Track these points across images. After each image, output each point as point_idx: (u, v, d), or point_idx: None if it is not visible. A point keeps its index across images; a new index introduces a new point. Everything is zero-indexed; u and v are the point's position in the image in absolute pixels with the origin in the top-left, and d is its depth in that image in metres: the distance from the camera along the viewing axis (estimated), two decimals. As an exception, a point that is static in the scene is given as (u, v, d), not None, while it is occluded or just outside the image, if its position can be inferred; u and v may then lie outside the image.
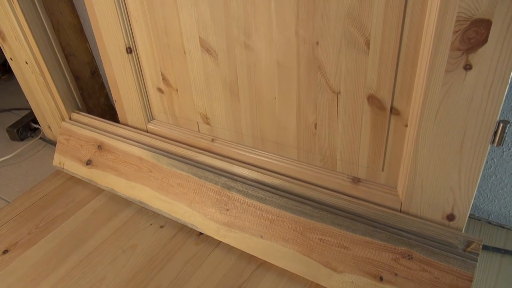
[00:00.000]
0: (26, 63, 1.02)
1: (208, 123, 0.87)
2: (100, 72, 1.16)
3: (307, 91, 0.68)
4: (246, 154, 0.83)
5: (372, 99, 0.62)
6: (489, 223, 0.79)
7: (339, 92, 0.65)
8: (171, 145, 0.90)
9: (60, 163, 1.05)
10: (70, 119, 1.09)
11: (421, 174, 0.62)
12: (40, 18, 0.95)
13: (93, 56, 1.12)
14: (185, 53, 0.79)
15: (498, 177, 0.72)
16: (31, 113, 1.28)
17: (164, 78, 0.87)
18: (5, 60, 1.70)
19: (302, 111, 0.71)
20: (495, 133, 0.53)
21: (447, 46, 0.50)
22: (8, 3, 0.90)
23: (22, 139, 1.24)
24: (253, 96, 0.75)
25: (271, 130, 0.77)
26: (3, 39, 1.01)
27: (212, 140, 0.87)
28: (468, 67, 0.50)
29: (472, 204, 0.79)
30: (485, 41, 0.48)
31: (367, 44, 0.58)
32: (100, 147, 0.98)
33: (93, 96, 1.15)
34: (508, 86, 0.50)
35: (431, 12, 0.50)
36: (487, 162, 0.72)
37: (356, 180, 0.72)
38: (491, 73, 0.49)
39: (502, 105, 0.51)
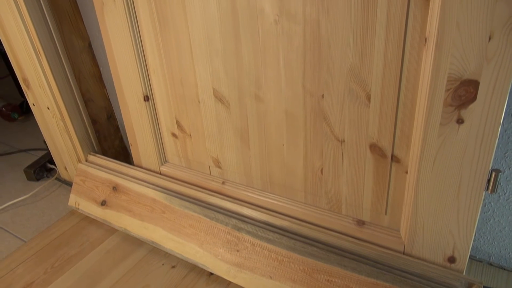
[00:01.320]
0: (48, 108, 1.08)
1: (219, 167, 0.91)
2: (116, 116, 1.22)
3: (314, 139, 0.73)
4: (256, 196, 0.87)
5: (374, 148, 0.67)
6: (490, 264, 0.81)
7: (343, 141, 0.70)
8: (184, 187, 0.95)
9: (75, 204, 1.10)
10: (87, 160, 1.14)
11: (422, 217, 0.66)
12: (63, 68, 1.02)
13: (109, 101, 1.19)
14: (199, 102, 0.85)
15: (496, 220, 0.76)
16: (47, 154, 1.34)
17: (179, 124, 0.92)
18: (22, 102, 1.78)
19: (309, 157, 0.76)
20: (489, 180, 0.58)
21: (440, 102, 0.56)
22: (35, 55, 0.98)
23: (38, 179, 1.29)
24: (263, 142, 0.80)
25: (280, 174, 0.82)
26: (28, 86, 1.08)
27: (223, 182, 0.92)
28: (460, 121, 0.56)
29: (473, 246, 0.82)
30: (474, 98, 0.53)
31: (368, 98, 0.63)
32: (115, 188, 1.03)
33: (108, 138, 1.21)
34: (497, 138, 0.55)
35: (425, 71, 0.56)
36: (484, 205, 0.76)
37: (360, 223, 0.76)
38: (482, 127, 0.54)
39: (493, 155, 0.56)
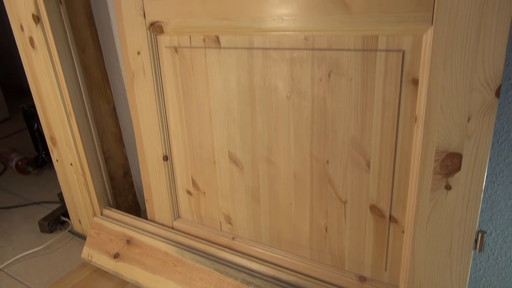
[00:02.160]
0: (71, 164, 1.17)
1: (230, 223, 0.98)
2: (131, 173, 1.31)
3: (319, 199, 0.81)
4: (264, 252, 0.93)
5: (374, 209, 0.75)
6: (486, 323, 0.86)
7: (346, 202, 0.78)
8: (195, 241, 1.01)
9: (88, 256, 1.14)
10: (102, 214, 1.20)
11: (418, 274, 0.72)
12: (89, 129, 1.13)
13: (127, 159, 1.28)
14: (215, 163, 0.94)
15: (488, 279, 0.82)
16: (61, 207, 1.40)
17: (194, 183, 1.01)
18: (37, 156, 1.87)
19: (314, 216, 0.83)
20: (476, 240, 0.65)
21: (430, 171, 0.65)
22: (66, 117, 1.08)
23: (51, 232, 1.34)
24: (272, 201, 0.88)
25: (287, 231, 0.89)
26: (54, 144, 1.17)
27: (233, 238, 0.98)
28: (448, 187, 0.64)
29: (469, 304, 0.87)
30: (459, 168, 0.63)
31: (368, 164, 0.73)
32: (129, 241, 1.08)
33: (123, 193, 1.29)
34: (481, 203, 0.63)
35: (416, 144, 0.66)
36: (476, 265, 0.82)
37: (362, 279, 0.81)
38: (467, 193, 0.63)
39: (478, 218, 0.64)
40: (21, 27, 1.02)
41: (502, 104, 0.70)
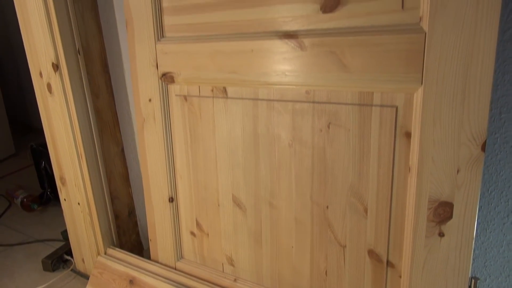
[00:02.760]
0: (78, 204, 1.20)
1: (232, 265, 1.01)
2: (136, 213, 1.34)
3: (319, 243, 0.84)
4: (265, 294, 0.95)
5: (372, 253, 0.78)
6: None
7: (345, 246, 0.81)
8: (197, 282, 1.02)
9: (90, 296, 1.15)
10: (105, 253, 1.22)
11: (416, 319, 0.74)
12: (98, 170, 1.17)
13: (132, 199, 1.32)
14: (219, 205, 0.98)
15: (485, 325, 0.83)
16: (65, 245, 1.42)
17: (198, 224, 1.04)
18: (42, 193, 1.90)
19: (315, 259, 0.86)
20: (469, 287, 0.68)
21: (424, 218, 0.69)
22: (77, 158, 1.13)
23: (54, 270, 1.35)
24: (274, 244, 0.91)
25: (288, 274, 0.91)
26: (63, 183, 1.21)
27: (235, 280, 1.00)
28: (441, 234, 0.68)
29: None
30: (451, 216, 0.66)
31: (366, 211, 0.77)
32: (131, 281, 1.10)
33: (127, 233, 1.31)
34: (473, 250, 0.66)
35: (410, 192, 0.70)
36: (473, 310, 0.84)
37: (362, 323, 0.83)
38: (459, 240, 0.67)
39: (471, 264, 0.67)
40: (40, 73, 1.09)
41: (490, 156, 0.75)
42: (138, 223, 1.36)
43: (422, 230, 0.69)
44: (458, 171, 0.64)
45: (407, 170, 0.70)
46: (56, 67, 1.04)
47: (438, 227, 0.68)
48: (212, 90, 0.89)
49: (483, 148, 0.62)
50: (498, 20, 0.58)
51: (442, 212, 0.67)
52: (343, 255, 0.82)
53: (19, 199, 1.83)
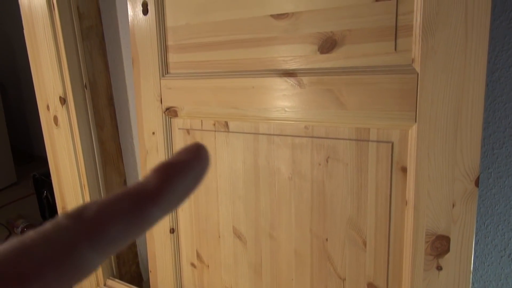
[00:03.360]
0: (79, 234, 1.21)
1: (232, 297, 1.01)
2: (136, 243, 1.34)
3: (319, 276, 0.85)
4: (266, 328, 0.94)
5: (371, 286, 0.79)
6: None
7: (345, 279, 0.82)
8: (197, 315, 1.02)
9: (89, 328, 1.14)
10: (105, 285, 1.22)
11: None
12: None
13: (133, 229, 1.32)
14: (219, 237, 0.99)
15: None
16: (64, 276, 1.42)
17: (198, 256, 1.05)
18: (42, 223, 1.90)
19: (315, 292, 0.86)
20: (469, 321, 0.68)
21: (422, 251, 0.70)
22: (80, 189, 1.15)
23: (52, 302, 1.34)
24: (274, 276, 0.92)
25: (288, 307, 0.91)
26: (65, 214, 1.23)
27: (235, 313, 1.00)
28: (439, 268, 0.69)
29: None
30: (448, 250, 0.68)
31: (364, 243, 0.78)
32: (131, 314, 1.09)
33: (127, 263, 1.31)
34: (471, 283, 0.67)
35: (407, 226, 0.72)
36: None
37: None
38: (457, 274, 0.68)
39: (469, 299, 0.68)
40: (48, 106, 1.13)
41: (485, 190, 0.77)
42: (138, 253, 1.36)
43: (420, 264, 0.70)
44: (453, 206, 0.66)
45: (404, 204, 0.72)
46: (63, 100, 1.07)
47: (436, 260, 0.69)
48: (214, 124, 0.92)
49: (477, 183, 0.64)
50: (486, 62, 0.61)
51: (439, 245, 0.68)
52: (343, 288, 0.82)
53: (19, 229, 1.83)
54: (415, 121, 0.67)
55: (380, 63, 0.69)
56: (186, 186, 0.16)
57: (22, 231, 1.80)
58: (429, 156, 0.67)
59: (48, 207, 1.86)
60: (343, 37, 0.72)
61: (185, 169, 0.15)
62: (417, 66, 0.66)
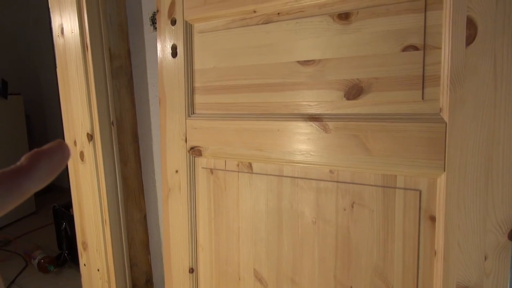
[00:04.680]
0: (98, 270, 1.21)
1: None
2: (153, 280, 1.33)
3: (343, 325, 0.82)
4: None
5: None
6: None
7: (370, 330, 0.79)
8: None
9: None
10: (120, 324, 1.20)
11: None
12: (121, 236, 1.19)
13: (151, 266, 1.32)
14: (239, 279, 0.97)
15: None
16: (79, 311, 1.40)
17: (217, 297, 1.03)
18: (59, 254, 1.90)
19: None
20: None
21: (453, 305, 0.67)
22: (101, 224, 1.16)
23: (65, 339, 1.32)
24: (296, 323, 0.89)
25: None
26: (85, 249, 1.23)
27: None
28: (472, 323, 0.66)
29: None
30: (480, 305, 0.65)
31: (391, 293, 0.75)
32: None
33: (142, 302, 1.29)
34: None
35: (437, 277, 0.69)
36: None
37: None
38: (491, 331, 0.65)
39: None
40: (75, 142, 1.16)
41: (517, 241, 0.74)
42: (155, 291, 1.34)
43: (451, 318, 0.68)
44: (485, 258, 0.64)
45: (433, 254, 0.70)
46: (90, 137, 1.10)
47: (468, 316, 0.66)
48: (238, 165, 0.93)
49: (510, 236, 0.62)
50: (516, 113, 0.61)
51: (471, 300, 0.66)
52: None
53: (36, 260, 1.83)
54: (444, 170, 0.66)
55: (408, 111, 0.70)
56: (51, 166, 0.21)
57: (39, 263, 1.81)
58: (459, 206, 0.65)
59: (66, 238, 1.87)
60: (370, 85, 0.73)
61: (49, 154, 0.21)
62: (445, 115, 0.66)
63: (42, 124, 3.50)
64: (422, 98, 0.68)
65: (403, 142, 0.70)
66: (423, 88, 0.68)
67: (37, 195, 3.11)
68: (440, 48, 0.66)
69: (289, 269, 0.88)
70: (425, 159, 0.68)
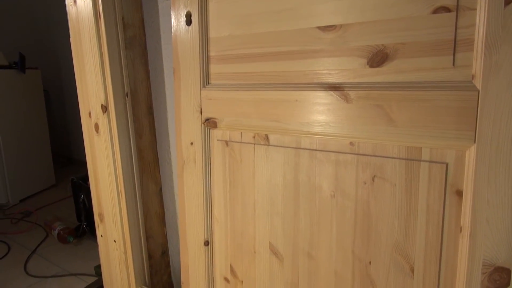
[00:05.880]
0: (115, 241, 1.22)
1: (266, 316, 0.97)
2: (169, 253, 1.33)
3: (360, 301, 0.80)
4: None
5: (418, 317, 0.73)
6: None
7: (389, 306, 0.77)
8: (229, 332, 0.99)
9: (120, 337, 1.14)
10: (137, 294, 1.22)
11: None
12: (136, 208, 1.19)
13: (166, 239, 1.32)
14: (255, 252, 0.96)
15: None
16: (97, 281, 1.43)
17: (232, 270, 1.02)
18: (78, 226, 1.94)
19: (355, 318, 0.82)
20: None
21: (478, 283, 0.64)
22: (117, 196, 1.16)
23: (85, 307, 1.36)
24: (311, 298, 0.88)
25: (325, 331, 0.87)
26: (101, 220, 1.24)
27: (268, 332, 0.96)
28: (497, 303, 0.63)
29: None
30: (508, 283, 0.62)
31: (412, 270, 0.73)
32: (162, 326, 1.08)
33: (159, 273, 1.30)
34: (534, 323, 0.61)
35: (462, 254, 0.66)
36: None
37: None
38: (518, 311, 0.61)
39: None
40: (89, 114, 1.14)
41: (549, 219, 0.70)
42: (171, 263, 1.35)
43: (475, 297, 0.65)
44: (515, 236, 0.60)
45: (458, 230, 0.67)
46: (105, 108, 1.09)
47: (494, 294, 0.63)
48: (254, 137, 0.90)
49: (544, 212, 0.58)
50: (557, 80, 0.56)
51: (498, 278, 0.62)
52: (386, 316, 0.77)
53: (56, 231, 1.87)
54: (474, 142, 0.62)
55: (436, 78, 0.65)
56: None
57: (59, 234, 1.85)
58: (489, 180, 0.61)
59: (84, 210, 1.90)
60: (396, 51, 0.68)
61: None
62: (478, 83, 0.61)
63: (61, 100, 3.54)
64: (453, 65, 0.63)
65: (430, 112, 0.65)
66: (454, 53, 0.63)
67: (57, 168, 3.16)
68: (474, 9, 0.61)
69: (306, 243, 0.86)
70: (453, 130, 0.64)
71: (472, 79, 0.62)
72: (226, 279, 1.04)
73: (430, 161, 0.68)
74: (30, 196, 2.59)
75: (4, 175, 2.39)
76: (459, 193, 0.66)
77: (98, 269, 1.46)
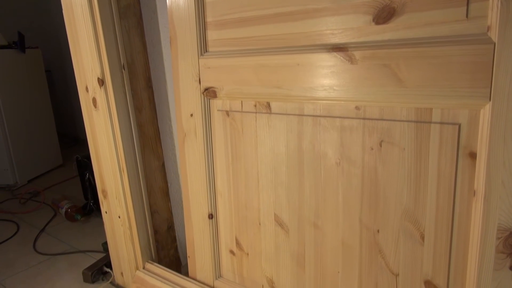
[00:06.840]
0: (119, 217, 1.21)
1: (272, 287, 0.96)
2: (175, 227, 1.32)
3: (368, 270, 0.78)
4: (308, 321, 0.89)
5: (429, 285, 0.71)
6: None
7: (398, 274, 0.74)
8: (237, 304, 0.98)
9: (128, 311, 1.14)
10: (144, 268, 1.21)
11: None
12: (139, 184, 1.17)
13: (171, 213, 1.31)
14: (260, 224, 0.94)
15: None
16: (105, 257, 1.43)
17: (238, 243, 1.00)
18: (85, 204, 1.94)
19: (363, 287, 0.80)
20: (548, 330, 0.59)
21: (492, 249, 0.61)
22: (119, 172, 1.14)
23: (93, 282, 1.36)
24: (318, 268, 0.86)
25: (333, 301, 0.85)
26: (105, 196, 1.22)
27: (276, 304, 0.95)
28: (513, 268, 0.60)
29: None
30: (524, 248, 0.59)
31: (422, 237, 0.70)
32: (169, 299, 1.07)
33: (165, 248, 1.30)
34: (551, 288, 0.58)
35: (475, 219, 0.63)
36: None
37: None
38: (534, 276, 0.59)
39: (549, 305, 0.58)
40: (86, 88, 1.11)
41: None
42: (177, 238, 1.34)
43: (489, 262, 0.62)
44: (533, 198, 0.57)
45: (471, 195, 0.63)
46: (101, 82, 1.05)
47: (509, 259, 0.60)
48: (255, 105, 0.86)
49: None
50: None
51: (514, 243, 0.59)
52: (395, 285, 0.75)
53: (63, 209, 1.87)
54: (489, 100, 0.58)
55: (448, 32, 0.60)
56: None
57: (66, 212, 1.85)
58: (506, 140, 0.57)
59: (90, 188, 1.90)
60: (403, 4, 0.63)
61: None
62: (493, 35, 0.56)
63: (64, 80, 3.50)
64: (466, 16, 0.58)
65: (442, 69, 0.61)
66: (467, 4, 0.58)
67: (64, 148, 3.17)
68: (491, -48, 0.55)
69: (311, 213, 0.84)
70: (467, 87, 0.59)
71: (488, 31, 0.57)
72: (231, 252, 1.03)
73: (441, 123, 0.63)
74: (37, 177, 2.60)
75: (11, 157, 2.39)
76: (473, 155, 0.62)
77: (105, 246, 1.46)
